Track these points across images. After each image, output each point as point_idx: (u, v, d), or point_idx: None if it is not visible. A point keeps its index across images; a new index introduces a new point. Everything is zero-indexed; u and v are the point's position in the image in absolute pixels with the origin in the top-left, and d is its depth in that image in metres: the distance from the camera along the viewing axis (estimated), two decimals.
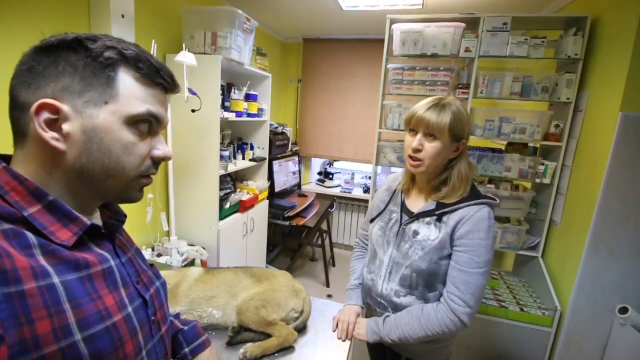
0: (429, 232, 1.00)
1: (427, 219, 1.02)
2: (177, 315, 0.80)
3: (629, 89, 1.45)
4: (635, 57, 1.43)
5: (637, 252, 1.53)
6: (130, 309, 0.50)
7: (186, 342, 0.74)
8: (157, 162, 0.53)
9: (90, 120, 0.45)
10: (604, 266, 1.57)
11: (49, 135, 0.44)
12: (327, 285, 3.14)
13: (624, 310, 1.49)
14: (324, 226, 3.27)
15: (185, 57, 1.65)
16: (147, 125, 0.50)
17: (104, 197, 0.52)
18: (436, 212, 1.00)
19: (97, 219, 0.55)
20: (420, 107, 0.98)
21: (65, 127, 0.44)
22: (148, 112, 0.48)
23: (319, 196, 3.65)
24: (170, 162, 1.86)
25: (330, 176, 3.89)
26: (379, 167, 2.34)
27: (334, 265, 3.58)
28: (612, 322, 1.59)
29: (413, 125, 0.99)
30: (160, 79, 0.50)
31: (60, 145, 0.44)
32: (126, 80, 0.47)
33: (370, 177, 2.97)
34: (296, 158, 3.59)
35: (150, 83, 0.49)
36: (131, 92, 0.47)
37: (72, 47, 0.44)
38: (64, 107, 0.44)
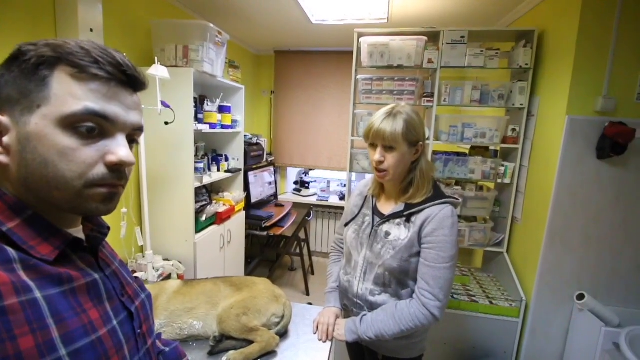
0: (399, 232, 1.07)
1: (397, 220, 1.08)
2: (158, 336, 0.78)
3: (573, 94, 1.61)
4: (577, 66, 1.59)
5: (588, 243, 1.67)
6: (115, 322, 0.50)
7: None
8: (113, 169, 0.46)
9: (23, 128, 0.42)
10: (560, 257, 1.71)
11: None
12: (307, 294, 3.15)
13: (581, 297, 1.63)
14: (302, 235, 3.29)
15: (158, 71, 1.66)
16: (92, 126, 0.43)
17: (60, 209, 0.47)
18: (405, 213, 1.06)
19: (79, 232, 0.53)
20: (375, 120, 1.04)
21: (5, 139, 0.42)
22: (85, 109, 0.42)
23: (296, 205, 3.68)
24: (143, 176, 1.83)
25: (307, 185, 3.93)
26: (354, 174, 2.42)
27: (313, 273, 3.60)
28: (571, 309, 1.72)
29: (372, 140, 1.06)
30: (98, 70, 0.43)
31: (3, 158, 0.43)
32: (62, 78, 0.42)
33: (345, 185, 3.04)
34: (272, 168, 3.61)
35: (91, 77, 0.43)
36: (66, 91, 0.42)
37: (14, 55, 0.42)
38: (3, 119, 0.42)
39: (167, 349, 0.74)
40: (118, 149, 0.45)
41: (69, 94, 0.42)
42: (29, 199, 0.45)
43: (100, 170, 0.45)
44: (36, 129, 0.41)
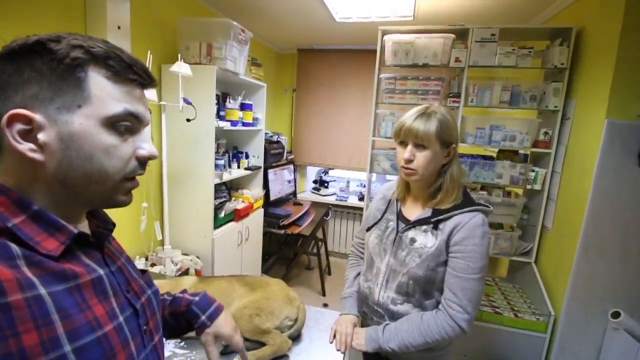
0: (425, 240, 1.01)
1: (424, 226, 1.03)
2: (184, 290, 0.81)
3: (614, 97, 1.50)
4: (619, 66, 1.48)
5: (626, 256, 1.55)
6: (121, 318, 0.49)
7: (201, 311, 0.75)
8: (143, 162, 0.50)
9: (65, 127, 0.43)
10: (595, 271, 1.59)
11: (25, 147, 0.42)
12: (323, 294, 3.12)
13: (616, 315, 1.51)
14: (319, 234, 3.27)
15: (181, 68, 1.68)
16: (128, 125, 0.48)
17: (89, 204, 0.51)
18: (432, 220, 1.01)
19: (84, 228, 0.53)
20: (408, 118, 1.00)
21: (41, 136, 0.42)
22: (126, 111, 0.46)
23: (315, 204, 3.66)
24: (164, 171, 1.86)
25: (326, 184, 3.91)
26: (374, 175, 2.36)
27: (329, 273, 3.57)
28: (605, 327, 1.60)
29: (403, 137, 1.01)
30: (134, 75, 0.47)
31: (38, 156, 0.43)
32: (98, 80, 0.44)
33: (364, 185, 3.00)
34: (291, 166, 3.61)
35: (123, 80, 0.46)
36: (105, 92, 0.45)
37: (35, 51, 0.42)
38: (37, 116, 0.42)
39: (197, 298, 0.77)
40: (146, 144, 0.50)
41: (108, 96, 0.45)
42: (56, 193, 0.46)
43: (133, 164, 0.49)
44: (81, 128, 0.44)
